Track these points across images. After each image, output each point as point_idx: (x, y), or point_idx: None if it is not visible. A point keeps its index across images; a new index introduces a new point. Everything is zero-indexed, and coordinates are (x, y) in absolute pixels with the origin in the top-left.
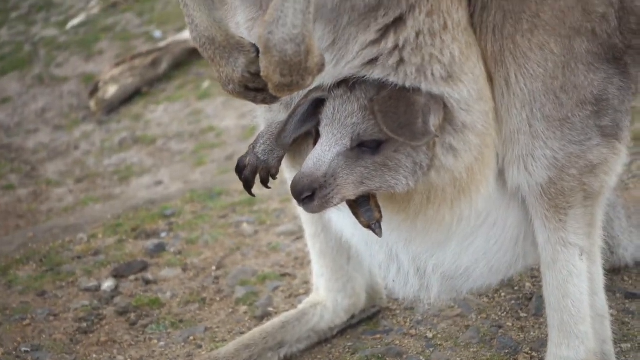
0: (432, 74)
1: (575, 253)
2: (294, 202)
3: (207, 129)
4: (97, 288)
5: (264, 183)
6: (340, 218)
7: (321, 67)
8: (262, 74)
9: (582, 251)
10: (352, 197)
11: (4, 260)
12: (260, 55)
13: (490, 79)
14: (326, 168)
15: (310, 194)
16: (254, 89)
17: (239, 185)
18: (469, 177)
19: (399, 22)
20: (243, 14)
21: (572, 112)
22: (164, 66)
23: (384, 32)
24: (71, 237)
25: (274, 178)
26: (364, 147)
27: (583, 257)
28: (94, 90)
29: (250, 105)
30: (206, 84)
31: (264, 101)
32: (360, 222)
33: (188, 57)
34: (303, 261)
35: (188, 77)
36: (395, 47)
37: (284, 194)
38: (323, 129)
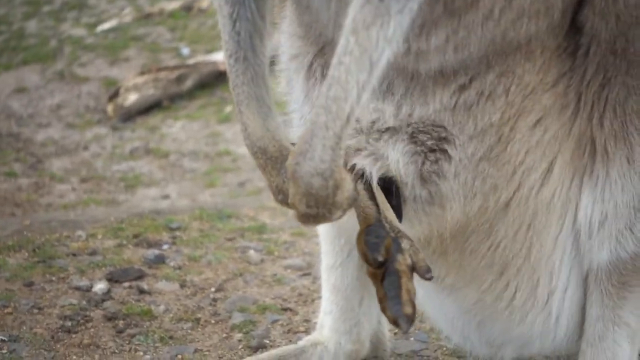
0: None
1: (625, 334)
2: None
3: (223, 152)
4: (88, 288)
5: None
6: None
7: (352, 201)
8: (289, 200)
9: (634, 333)
10: None
11: None
12: (287, 182)
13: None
14: None
15: None
16: None
17: (250, 211)
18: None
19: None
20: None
21: None
22: (188, 83)
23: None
24: (69, 232)
25: None
26: None
27: (629, 340)
28: (114, 95)
29: None
30: (229, 109)
31: None
32: (387, 316)
33: (214, 80)
34: (307, 298)
35: (211, 98)
36: None
37: (296, 227)
38: None
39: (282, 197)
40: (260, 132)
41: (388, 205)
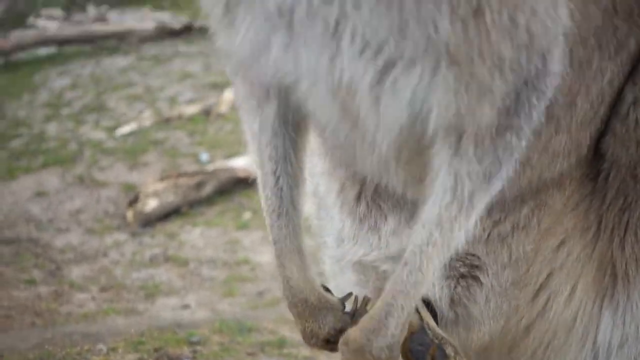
0: None
1: None
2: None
3: (241, 260)
4: None
5: None
6: None
7: (396, 354)
8: None
9: None
10: None
11: (16, 358)
12: (344, 348)
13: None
14: None
15: None
16: (335, 341)
17: (270, 323)
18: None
19: None
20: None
21: None
22: (207, 190)
23: None
24: (90, 345)
25: None
26: None
27: None
28: (134, 201)
29: None
30: (247, 215)
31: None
32: None
33: (233, 186)
34: None
35: (230, 205)
36: None
37: None
38: None
39: (315, 340)
40: (302, 285)
41: (428, 313)
